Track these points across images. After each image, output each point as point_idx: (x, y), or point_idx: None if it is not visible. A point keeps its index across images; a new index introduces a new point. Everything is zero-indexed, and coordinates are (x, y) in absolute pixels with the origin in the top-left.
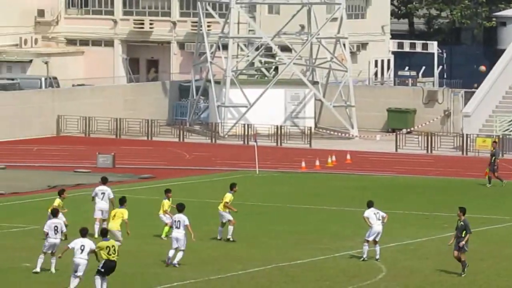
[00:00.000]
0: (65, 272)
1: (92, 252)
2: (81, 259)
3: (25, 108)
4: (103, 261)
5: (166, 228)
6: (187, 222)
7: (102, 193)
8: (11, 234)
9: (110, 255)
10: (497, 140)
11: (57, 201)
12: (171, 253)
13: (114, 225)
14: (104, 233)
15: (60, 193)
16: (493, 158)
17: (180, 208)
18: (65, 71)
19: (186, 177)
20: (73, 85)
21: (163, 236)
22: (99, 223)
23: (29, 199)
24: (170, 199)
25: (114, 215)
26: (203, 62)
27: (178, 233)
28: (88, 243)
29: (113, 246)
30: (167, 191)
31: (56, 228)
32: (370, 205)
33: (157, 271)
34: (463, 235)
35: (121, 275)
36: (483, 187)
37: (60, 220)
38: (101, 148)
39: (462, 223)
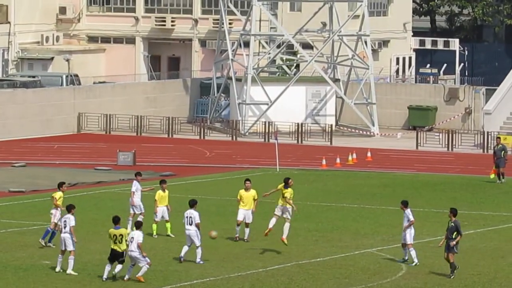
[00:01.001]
0: (84, 269)
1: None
2: (133, 252)
3: (46, 105)
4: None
5: (155, 226)
6: (198, 220)
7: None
8: (31, 231)
9: (116, 243)
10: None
11: (58, 194)
12: (184, 249)
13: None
14: (117, 220)
15: (60, 185)
16: (502, 152)
17: (191, 203)
18: (87, 69)
19: (207, 174)
20: (94, 83)
21: (154, 234)
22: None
23: (49, 196)
24: (166, 190)
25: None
26: (225, 59)
27: (190, 230)
28: (137, 235)
29: (120, 235)
30: (163, 182)
31: (65, 222)
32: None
33: (177, 268)
34: (453, 236)
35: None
36: (504, 184)
37: (69, 215)
38: (122, 146)
39: (453, 224)
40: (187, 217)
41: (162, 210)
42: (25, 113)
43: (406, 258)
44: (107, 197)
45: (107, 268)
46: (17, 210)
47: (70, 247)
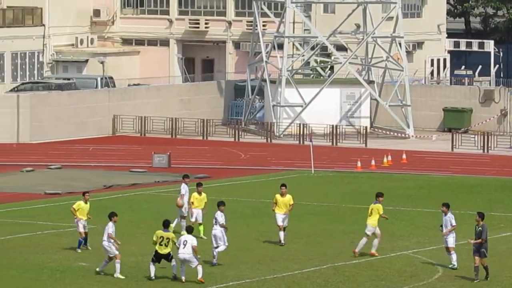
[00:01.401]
0: (120, 272)
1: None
2: (182, 254)
3: (81, 108)
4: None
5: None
6: (221, 220)
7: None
8: (67, 233)
9: (161, 245)
10: None
11: (77, 205)
12: (214, 252)
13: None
14: (167, 224)
15: (83, 194)
16: None
17: (219, 204)
18: (121, 71)
19: (241, 176)
20: (128, 85)
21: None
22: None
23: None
24: (202, 193)
25: None
26: (259, 61)
27: (215, 230)
28: (191, 239)
29: (167, 238)
30: (199, 184)
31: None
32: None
33: (213, 270)
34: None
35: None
36: None
37: (110, 223)
38: (157, 148)
39: (480, 228)
40: (215, 218)
41: (196, 213)
42: (60, 116)
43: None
44: (142, 199)
45: (152, 268)
46: (53, 212)
47: (113, 253)
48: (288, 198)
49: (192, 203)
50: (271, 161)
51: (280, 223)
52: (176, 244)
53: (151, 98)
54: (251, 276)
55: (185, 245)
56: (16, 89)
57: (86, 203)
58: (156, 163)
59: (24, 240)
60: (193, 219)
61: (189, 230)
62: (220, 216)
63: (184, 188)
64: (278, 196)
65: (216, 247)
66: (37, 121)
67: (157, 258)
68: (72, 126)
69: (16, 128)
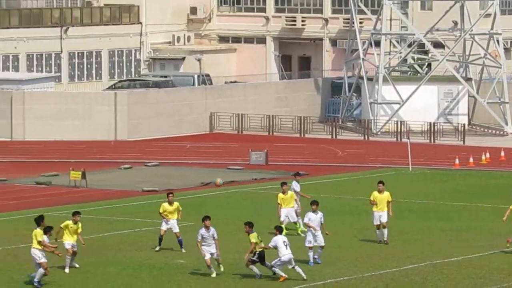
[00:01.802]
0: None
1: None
2: (289, 254)
3: (178, 105)
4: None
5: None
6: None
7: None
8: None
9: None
10: None
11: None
12: (310, 253)
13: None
14: (280, 230)
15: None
16: None
17: (313, 204)
18: (218, 68)
19: (339, 174)
20: (225, 82)
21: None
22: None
23: (182, 196)
24: (288, 192)
25: None
26: (355, 58)
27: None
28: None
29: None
30: (284, 183)
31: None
32: None
33: (311, 268)
34: None
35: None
36: None
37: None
38: (254, 145)
39: None
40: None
41: (286, 212)
42: (157, 113)
43: None
44: (239, 196)
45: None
46: (151, 209)
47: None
48: (386, 195)
49: (279, 204)
50: (368, 158)
51: (376, 222)
52: (270, 245)
53: (248, 95)
54: (348, 274)
55: (286, 245)
56: (113, 86)
57: (171, 204)
58: (253, 161)
59: (122, 237)
60: (282, 219)
61: (280, 230)
62: (320, 216)
63: (297, 186)
64: (375, 193)
65: (311, 247)
66: (134, 119)
67: (260, 257)
68: (169, 123)
69: (114, 125)
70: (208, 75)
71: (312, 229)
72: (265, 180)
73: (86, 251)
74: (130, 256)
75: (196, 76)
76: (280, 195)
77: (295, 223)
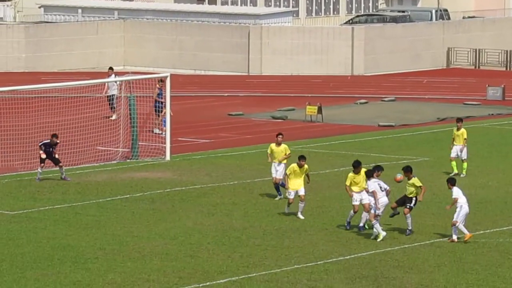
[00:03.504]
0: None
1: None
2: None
3: (415, 40)
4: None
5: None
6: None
7: None
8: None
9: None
10: None
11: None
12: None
13: None
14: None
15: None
16: None
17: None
18: (456, 3)
19: None
20: (463, 17)
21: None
22: None
23: (418, 131)
24: (461, 128)
25: None
26: None
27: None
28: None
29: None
30: (459, 120)
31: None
32: None
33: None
34: None
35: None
36: None
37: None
38: (491, 81)
39: None
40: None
41: (457, 149)
42: (395, 48)
43: None
44: (476, 132)
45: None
46: (387, 144)
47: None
48: None
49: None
50: None
51: None
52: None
53: (486, 30)
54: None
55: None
56: (351, 21)
57: (278, 145)
58: (490, 96)
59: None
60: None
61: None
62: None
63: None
64: None
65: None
66: (371, 54)
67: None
68: (406, 58)
69: (351, 60)
70: (446, 10)
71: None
72: (501, 116)
73: (322, 185)
74: None
75: (433, 11)
76: (454, 130)
77: (463, 160)
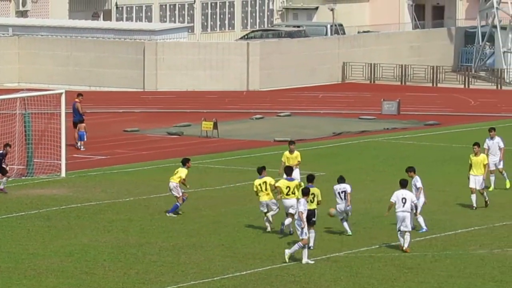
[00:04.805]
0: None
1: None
2: (404, 212)
3: (310, 55)
4: None
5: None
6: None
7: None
8: None
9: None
10: None
11: (184, 171)
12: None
13: None
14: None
15: (185, 162)
16: None
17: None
18: (351, 18)
19: (471, 123)
20: (358, 32)
21: None
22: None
23: (314, 146)
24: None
25: None
26: (489, 7)
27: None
28: (410, 195)
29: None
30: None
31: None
32: None
33: (441, 217)
34: None
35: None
36: None
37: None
38: (386, 95)
39: None
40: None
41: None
42: (290, 63)
43: None
44: (371, 146)
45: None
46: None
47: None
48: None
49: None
50: (501, 107)
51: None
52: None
53: (381, 45)
54: (480, 224)
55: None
56: (246, 37)
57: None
58: (385, 110)
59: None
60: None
61: (404, 184)
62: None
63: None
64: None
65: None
66: (266, 69)
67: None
68: (301, 73)
69: (246, 75)
70: (341, 25)
71: None
72: (397, 130)
73: (218, 201)
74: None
75: (329, 26)
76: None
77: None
